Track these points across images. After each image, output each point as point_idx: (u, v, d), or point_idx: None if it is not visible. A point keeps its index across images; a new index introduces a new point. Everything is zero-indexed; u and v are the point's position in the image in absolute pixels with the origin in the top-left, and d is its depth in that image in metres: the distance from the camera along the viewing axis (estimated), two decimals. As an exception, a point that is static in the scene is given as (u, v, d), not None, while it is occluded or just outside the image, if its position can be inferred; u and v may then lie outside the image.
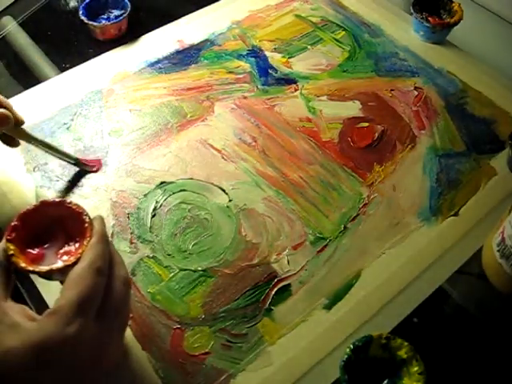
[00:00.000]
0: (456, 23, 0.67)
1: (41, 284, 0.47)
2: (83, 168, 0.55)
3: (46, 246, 0.38)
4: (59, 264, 0.36)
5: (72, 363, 0.33)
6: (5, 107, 0.46)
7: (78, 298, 0.33)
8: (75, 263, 0.35)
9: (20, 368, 0.31)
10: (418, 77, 0.66)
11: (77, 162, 0.54)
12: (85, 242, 0.36)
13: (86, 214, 0.38)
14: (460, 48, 0.70)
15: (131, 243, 0.50)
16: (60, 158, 0.54)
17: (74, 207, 0.38)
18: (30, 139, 0.50)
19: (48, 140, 0.53)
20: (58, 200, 0.39)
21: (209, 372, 0.43)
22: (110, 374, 0.36)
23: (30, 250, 0.37)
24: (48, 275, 0.36)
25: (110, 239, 0.38)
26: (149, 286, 0.48)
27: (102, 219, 0.38)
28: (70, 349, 0.32)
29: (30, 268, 0.35)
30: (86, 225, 0.37)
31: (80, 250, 0.36)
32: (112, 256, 0.37)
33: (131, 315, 0.46)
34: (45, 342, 0.31)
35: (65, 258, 0.37)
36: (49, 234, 0.38)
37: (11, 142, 0.50)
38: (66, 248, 0.38)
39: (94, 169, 0.55)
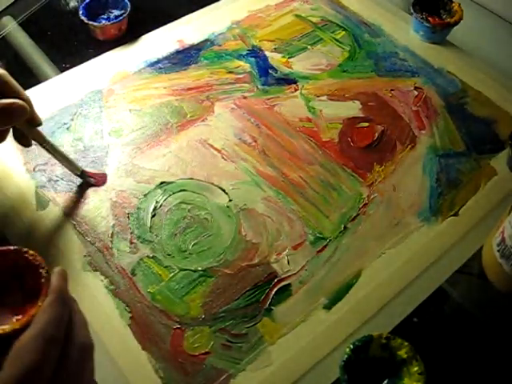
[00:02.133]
0: (456, 23, 0.67)
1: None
2: (87, 180, 0.54)
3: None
4: (6, 328, 0.31)
5: None
6: (25, 101, 0.44)
7: (21, 375, 0.29)
8: (27, 326, 0.31)
9: None
10: (418, 77, 0.66)
11: (82, 173, 0.53)
12: (39, 302, 0.32)
13: (44, 267, 0.34)
14: (460, 48, 0.70)
15: (131, 243, 0.50)
16: (66, 167, 0.52)
17: (30, 258, 0.34)
18: (43, 142, 0.49)
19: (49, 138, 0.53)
20: (13, 248, 0.34)
21: (209, 372, 0.43)
22: None
23: None
24: None
25: (70, 296, 0.33)
26: (149, 286, 0.48)
27: (62, 273, 0.34)
28: None
29: None
30: (43, 280, 0.33)
31: (32, 312, 0.32)
32: (72, 317, 0.33)
33: (131, 315, 0.46)
34: None
35: (17, 318, 0.33)
36: (3, 286, 0.34)
37: (23, 140, 0.48)
38: (21, 305, 0.33)
39: (99, 183, 0.54)
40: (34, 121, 0.47)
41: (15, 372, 0.29)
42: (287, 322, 0.46)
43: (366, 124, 0.61)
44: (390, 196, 0.55)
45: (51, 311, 0.31)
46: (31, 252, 0.34)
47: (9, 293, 0.34)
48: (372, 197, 0.55)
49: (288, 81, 0.65)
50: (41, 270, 0.34)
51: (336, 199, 0.54)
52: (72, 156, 0.56)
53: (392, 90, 0.64)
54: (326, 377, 0.43)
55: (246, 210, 0.53)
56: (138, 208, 0.53)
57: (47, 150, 0.50)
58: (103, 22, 0.68)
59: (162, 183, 0.54)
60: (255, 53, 0.68)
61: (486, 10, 0.76)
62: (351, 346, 0.41)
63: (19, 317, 0.33)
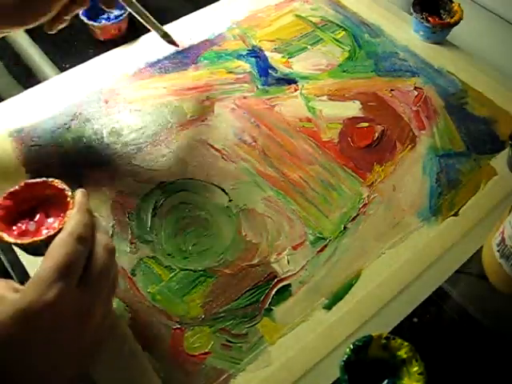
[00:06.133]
0: (456, 23, 0.67)
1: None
2: (167, 41, 0.61)
3: (31, 222, 0.39)
4: (42, 235, 0.37)
5: (56, 327, 0.34)
6: None
7: (57, 264, 0.34)
8: (58, 233, 0.36)
9: (9, 337, 0.32)
10: (418, 77, 0.66)
11: (165, 34, 0.61)
12: (67, 214, 0.38)
13: (68, 190, 0.39)
14: (460, 48, 0.70)
15: (131, 243, 0.50)
16: (150, 27, 0.59)
17: (55, 184, 0.40)
18: (130, 3, 0.57)
19: (49, 138, 0.53)
20: (40, 180, 0.40)
21: (209, 372, 0.43)
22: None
23: (15, 227, 0.39)
24: (32, 247, 0.37)
25: (91, 209, 0.39)
26: (149, 286, 0.48)
27: (83, 192, 0.40)
28: (51, 313, 0.33)
29: (13, 240, 0.37)
30: (68, 199, 0.39)
31: (62, 222, 0.37)
32: (94, 224, 0.38)
33: (130, 315, 0.46)
34: (27, 308, 0.32)
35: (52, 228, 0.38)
36: (35, 212, 0.40)
37: (110, 3, 0.55)
38: (51, 222, 0.39)
39: (177, 46, 0.63)
40: None
41: (51, 263, 0.34)
42: (287, 322, 0.46)
43: (366, 124, 0.61)
44: (390, 196, 0.55)
45: (78, 217, 0.37)
46: (56, 180, 0.40)
47: (41, 217, 0.40)
48: (372, 197, 0.55)
49: (288, 81, 0.65)
50: (66, 192, 0.39)
51: (336, 199, 0.54)
52: (72, 156, 0.56)
53: (392, 90, 0.64)
54: (326, 377, 0.43)
55: (245, 210, 0.53)
56: (138, 208, 0.53)
57: (134, 10, 0.57)
58: (103, 22, 0.68)
59: (161, 183, 0.54)
60: (255, 53, 0.68)
61: (486, 10, 0.76)
62: (351, 346, 0.41)
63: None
